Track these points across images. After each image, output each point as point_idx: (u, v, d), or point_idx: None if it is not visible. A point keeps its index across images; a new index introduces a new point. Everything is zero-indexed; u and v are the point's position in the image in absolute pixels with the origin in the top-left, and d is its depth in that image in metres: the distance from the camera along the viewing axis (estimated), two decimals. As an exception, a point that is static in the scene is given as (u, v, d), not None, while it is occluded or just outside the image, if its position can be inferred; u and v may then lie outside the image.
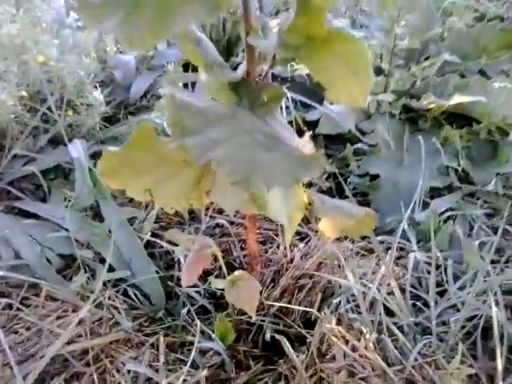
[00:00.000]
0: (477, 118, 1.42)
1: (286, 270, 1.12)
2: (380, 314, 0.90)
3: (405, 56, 1.64)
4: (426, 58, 1.64)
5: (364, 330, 0.86)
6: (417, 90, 1.53)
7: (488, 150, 1.38)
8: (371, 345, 0.84)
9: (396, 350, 0.86)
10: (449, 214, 1.19)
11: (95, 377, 0.89)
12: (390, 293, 0.97)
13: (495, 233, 1.09)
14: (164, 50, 1.79)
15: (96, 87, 1.33)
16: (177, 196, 0.84)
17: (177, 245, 1.09)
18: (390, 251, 1.01)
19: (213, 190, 0.77)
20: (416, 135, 1.44)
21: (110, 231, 1.15)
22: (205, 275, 1.14)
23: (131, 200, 1.31)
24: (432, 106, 1.42)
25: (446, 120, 1.47)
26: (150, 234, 1.17)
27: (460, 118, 1.47)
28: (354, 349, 0.85)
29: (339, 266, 1.05)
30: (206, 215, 1.25)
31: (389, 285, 0.96)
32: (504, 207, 1.22)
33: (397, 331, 0.90)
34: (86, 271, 1.09)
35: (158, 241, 1.17)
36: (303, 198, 0.82)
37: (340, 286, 1.00)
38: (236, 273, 0.93)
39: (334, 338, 0.86)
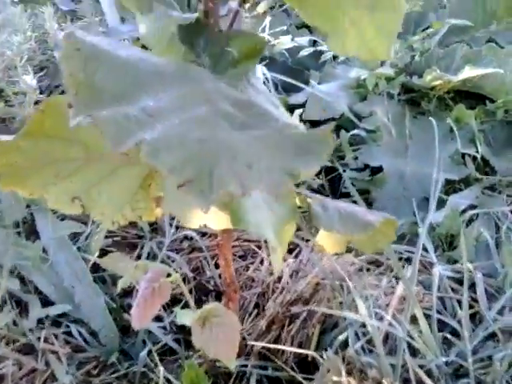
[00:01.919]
0: (491, 95, 1.20)
1: (273, 291, 0.88)
2: (403, 356, 0.67)
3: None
4: (424, 30, 1.41)
5: (384, 383, 0.63)
6: (417, 65, 1.30)
7: (506, 133, 1.16)
8: (396, 403, 0.61)
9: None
10: (470, 212, 0.96)
11: None
12: (411, 321, 0.74)
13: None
14: (117, 26, 1.51)
15: (28, 71, 1.07)
16: (117, 204, 0.59)
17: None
18: (408, 266, 0.78)
19: (165, 196, 0.52)
20: (419, 119, 1.22)
21: (46, 252, 0.90)
22: (171, 303, 0.90)
23: (76, 210, 1.05)
24: (437, 82, 1.20)
25: (453, 100, 1.25)
26: (98, 253, 0.92)
27: (470, 97, 1.24)
28: (372, 409, 0.62)
29: (341, 287, 0.82)
30: (170, 225, 1.00)
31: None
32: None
33: (425, 377, 0.67)
34: (13, 307, 0.84)
35: (109, 261, 0.91)
36: (295, 202, 0.58)
37: (345, 318, 0.76)
38: (208, 306, 0.69)
39: (343, 394, 0.63)
